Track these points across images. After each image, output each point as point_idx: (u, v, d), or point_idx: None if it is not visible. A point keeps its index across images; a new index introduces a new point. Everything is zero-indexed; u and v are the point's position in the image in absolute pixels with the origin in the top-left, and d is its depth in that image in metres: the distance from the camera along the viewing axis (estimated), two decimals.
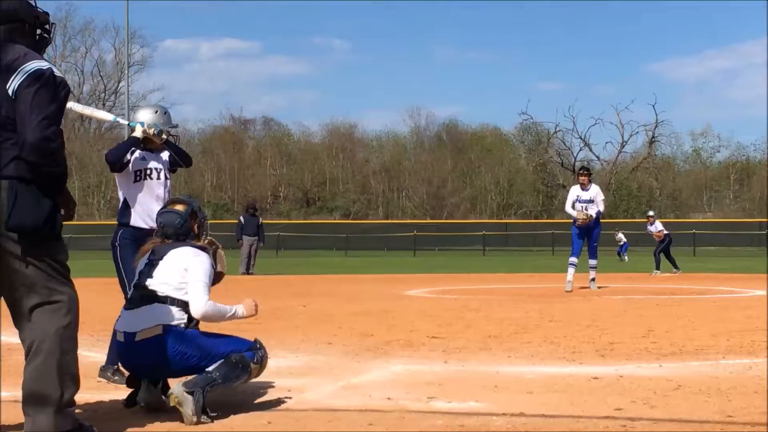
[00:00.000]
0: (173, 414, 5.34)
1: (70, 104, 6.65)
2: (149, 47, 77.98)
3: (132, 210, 6.87)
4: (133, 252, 6.53)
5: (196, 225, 5.86)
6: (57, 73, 4.51)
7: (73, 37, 78.06)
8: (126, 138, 7.17)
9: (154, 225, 6.61)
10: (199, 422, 5.10)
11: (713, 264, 32.43)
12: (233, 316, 5.62)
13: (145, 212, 6.85)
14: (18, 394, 4.71)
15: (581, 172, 17.82)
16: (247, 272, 25.40)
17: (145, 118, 6.98)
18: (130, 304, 5.54)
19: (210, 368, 5.32)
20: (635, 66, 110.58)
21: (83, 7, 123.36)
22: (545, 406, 5.61)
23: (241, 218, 26.77)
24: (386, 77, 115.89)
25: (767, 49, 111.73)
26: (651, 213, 29.24)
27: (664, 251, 26.41)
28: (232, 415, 5.38)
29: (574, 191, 17.27)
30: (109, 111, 73.62)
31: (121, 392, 6.09)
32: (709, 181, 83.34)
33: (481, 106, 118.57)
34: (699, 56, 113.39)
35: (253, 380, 5.71)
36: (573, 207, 17.09)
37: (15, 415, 4.90)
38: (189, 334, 5.39)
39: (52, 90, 4.42)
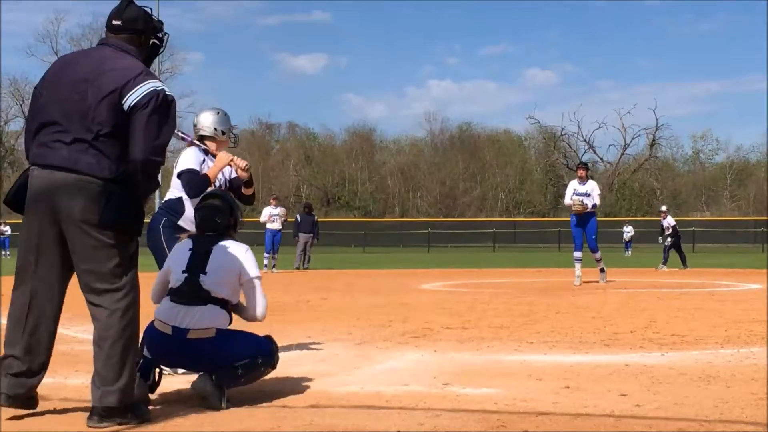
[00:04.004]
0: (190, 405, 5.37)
1: None
2: (177, 57, 77.94)
3: (185, 211, 6.55)
4: (175, 238, 6.39)
5: (233, 219, 5.71)
6: (168, 92, 4.67)
7: None
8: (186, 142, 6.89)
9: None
10: (225, 407, 5.10)
11: (711, 260, 32.32)
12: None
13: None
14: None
15: (579, 166, 17.88)
16: (302, 267, 25.63)
17: (207, 120, 6.82)
18: (180, 297, 5.32)
19: (238, 366, 5.28)
20: (638, 70, 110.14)
21: None
22: (554, 391, 5.59)
23: (298, 216, 27.12)
24: (402, 80, 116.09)
25: (767, 52, 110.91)
26: (663, 208, 28.99)
27: (674, 247, 26.03)
28: (250, 402, 5.38)
29: (572, 185, 17.14)
30: None
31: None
32: (707, 182, 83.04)
33: (492, 110, 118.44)
34: (699, 64, 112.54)
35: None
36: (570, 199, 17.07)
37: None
38: (230, 335, 5.35)
39: (164, 111, 4.61)
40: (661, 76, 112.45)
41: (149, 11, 4.93)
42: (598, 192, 17.01)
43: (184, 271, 5.40)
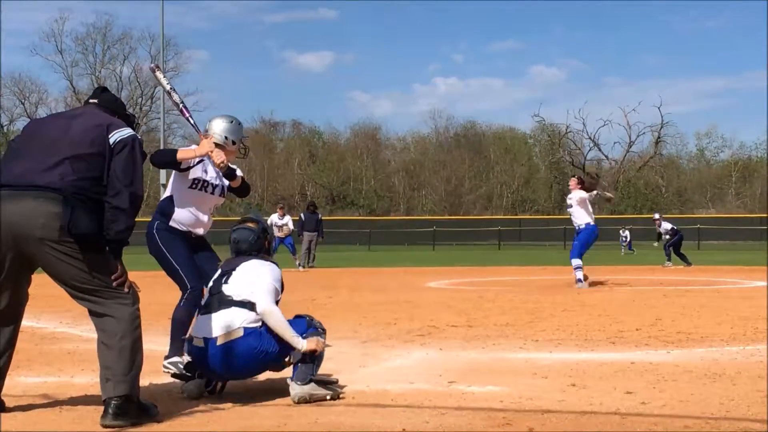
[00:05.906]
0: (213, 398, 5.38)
1: (158, 74, 6.75)
2: (182, 56, 78.28)
3: (175, 211, 6.56)
4: (171, 238, 6.46)
5: (266, 241, 5.86)
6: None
7: (112, 45, 78.49)
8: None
9: (190, 229, 6.55)
10: (336, 396, 5.32)
11: (716, 257, 32.26)
12: (292, 340, 5.34)
13: (187, 218, 6.56)
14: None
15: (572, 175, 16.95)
16: (307, 265, 25.52)
17: (219, 128, 6.76)
18: (207, 309, 5.47)
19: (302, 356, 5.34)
20: (643, 67, 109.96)
21: (122, 18, 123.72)
22: (560, 389, 5.60)
23: (302, 215, 26.91)
24: (408, 78, 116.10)
25: (767, 50, 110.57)
26: (656, 216, 28.61)
27: (673, 247, 25.98)
28: (256, 400, 5.39)
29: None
30: (145, 116, 74.20)
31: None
32: (712, 179, 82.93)
33: (498, 107, 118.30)
34: (704, 62, 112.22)
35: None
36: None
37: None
38: (266, 332, 5.36)
39: (141, 154, 4.96)
40: (667, 73, 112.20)
41: (123, 102, 5.41)
42: (578, 197, 15.69)
43: (210, 288, 5.61)
